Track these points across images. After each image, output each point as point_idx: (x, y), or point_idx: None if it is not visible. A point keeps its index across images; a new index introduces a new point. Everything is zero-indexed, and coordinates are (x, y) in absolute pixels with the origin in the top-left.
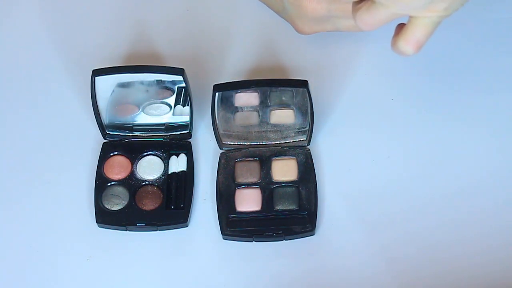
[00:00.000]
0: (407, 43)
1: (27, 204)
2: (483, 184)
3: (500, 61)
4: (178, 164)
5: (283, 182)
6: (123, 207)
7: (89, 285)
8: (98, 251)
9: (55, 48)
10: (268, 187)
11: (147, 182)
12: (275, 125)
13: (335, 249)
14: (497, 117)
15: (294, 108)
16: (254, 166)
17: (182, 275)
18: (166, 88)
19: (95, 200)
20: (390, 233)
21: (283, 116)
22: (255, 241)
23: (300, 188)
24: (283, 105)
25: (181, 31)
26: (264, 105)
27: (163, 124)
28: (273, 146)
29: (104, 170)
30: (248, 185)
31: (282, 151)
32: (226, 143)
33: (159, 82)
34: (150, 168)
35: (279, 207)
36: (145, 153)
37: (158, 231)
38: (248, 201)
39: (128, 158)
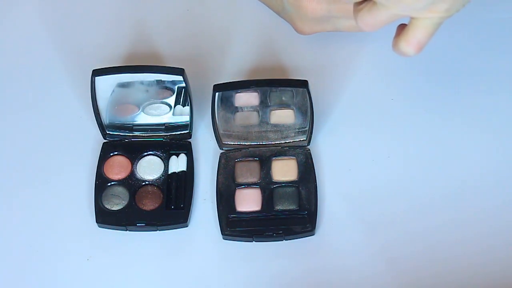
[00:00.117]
0: (408, 44)
1: (27, 204)
2: (483, 184)
3: (500, 61)
4: (178, 164)
5: (283, 182)
6: (123, 207)
7: (89, 285)
8: (98, 251)
9: (55, 48)
10: (268, 187)
11: (147, 182)
12: (275, 125)
13: (335, 249)
14: (497, 117)
15: (294, 108)
16: (254, 166)
17: (182, 275)
18: (166, 88)
19: (95, 200)
20: (390, 233)
21: (283, 116)
22: (255, 241)
23: (300, 188)
24: (283, 105)
25: (181, 31)
26: (264, 105)
27: (163, 124)
28: (273, 146)
29: (104, 170)
30: (248, 185)
31: (282, 151)
32: (226, 143)
33: (159, 82)
34: (150, 168)
35: (279, 207)
36: (145, 153)
37: (158, 231)
38: (248, 201)
39: (128, 158)
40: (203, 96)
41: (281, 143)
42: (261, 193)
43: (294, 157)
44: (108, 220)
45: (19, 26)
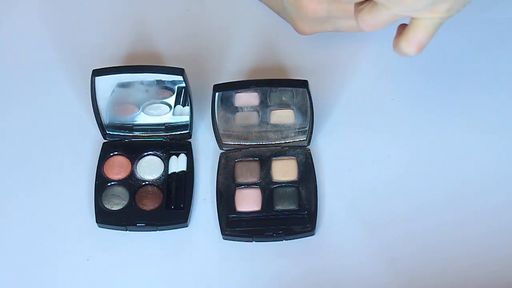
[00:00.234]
0: (409, 44)
1: (27, 204)
2: (483, 184)
3: (500, 61)
4: (178, 164)
5: (283, 182)
6: (123, 207)
7: (89, 285)
8: (98, 251)
9: (55, 48)
10: (268, 187)
11: (147, 182)
12: (275, 125)
13: (335, 249)
14: (497, 117)
15: (294, 108)
16: (254, 166)
17: (182, 275)
18: (166, 88)
19: (95, 200)
20: (390, 233)
21: (283, 116)
22: (255, 241)
23: (300, 188)
24: (283, 105)
25: (181, 31)
26: (264, 105)
27: (163, 124)
28: (273, 146)
29: (104, 170)
30: (248, 185)
31: (282, 151)
32: (226, 143)
33: (159, 82)
34: (150, 168)
35: (279, 207)
36: (145, 153)
37: (158, 231)
38: (248, 201)
39: (128, 158)
40: (203, 96)
41: (281, 143)
42: (261, 193)
43: (294, 157)
44: (108, 220)
45: (19, 26)
